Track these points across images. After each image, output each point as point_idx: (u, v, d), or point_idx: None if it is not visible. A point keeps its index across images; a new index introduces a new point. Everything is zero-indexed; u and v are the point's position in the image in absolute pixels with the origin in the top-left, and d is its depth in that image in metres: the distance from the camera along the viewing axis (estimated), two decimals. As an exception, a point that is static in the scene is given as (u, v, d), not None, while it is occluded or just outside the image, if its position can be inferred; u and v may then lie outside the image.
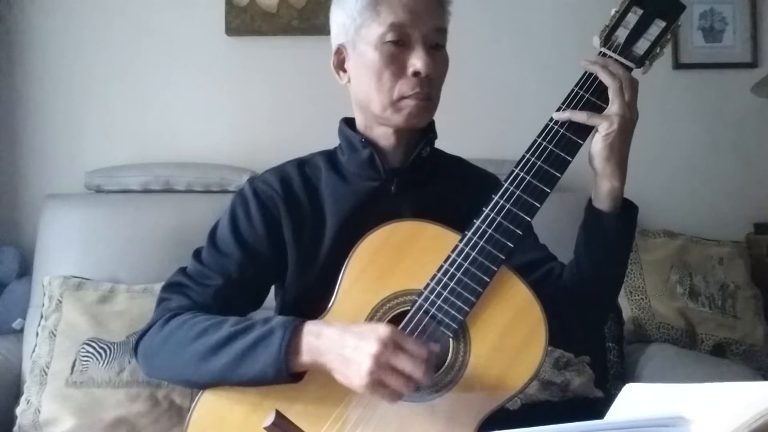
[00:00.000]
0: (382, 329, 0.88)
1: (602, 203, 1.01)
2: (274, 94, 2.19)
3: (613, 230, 1.01)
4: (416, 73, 1.02)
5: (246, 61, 2.19)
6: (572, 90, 1.00)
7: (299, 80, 2.15)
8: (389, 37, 1.03)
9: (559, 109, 0.99)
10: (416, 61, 1.02)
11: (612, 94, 0.97)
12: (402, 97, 1.04)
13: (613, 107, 0.96)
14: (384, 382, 0.86)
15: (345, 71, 1.11)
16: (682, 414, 0.58)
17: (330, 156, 1.15)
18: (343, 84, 1.12)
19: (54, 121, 2.15)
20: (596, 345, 1.81)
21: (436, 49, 1.06)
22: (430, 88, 1.05)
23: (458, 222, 1.00)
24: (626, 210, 1.02)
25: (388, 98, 1.04)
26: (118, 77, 2.16)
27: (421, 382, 0.87)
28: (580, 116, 0.97)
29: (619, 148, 0.97)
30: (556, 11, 2.22)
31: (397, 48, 1.03)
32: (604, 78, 0.97)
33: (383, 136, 1.10)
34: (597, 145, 0.98)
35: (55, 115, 2.15)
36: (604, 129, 0.96)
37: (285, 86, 2.18)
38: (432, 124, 1.14)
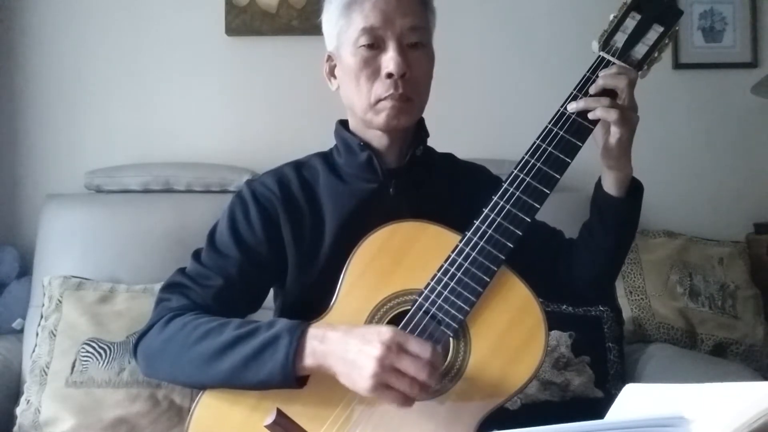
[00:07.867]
0: (385, 331, 0.87)
1: (616, 189, 1.04)
2: (274, 94, 2.18)
3: (627, 207, 1.05)
4: (389, 75, 1.03)
5: (246, 61, 2.19)
6: (575, 89, 1.00)
7: (299, 80, 2.15)
8: (362, 41, 1.04)
9: (564, 104, 1.00)
10: (388, 63, 1.03)
11: (622, 92, 0.97)
12: (379, 100, 1.05)
13: (628, 103, 0.97)
14: (389, 384, 0.86)
15: (335, 77, 1.12)
16: (682, 414, 0.58)
17: (326, 157, 1.16)
18: (334, 90, 1.13)
19: (54, 121, 2.15)
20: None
21: (415, 48, 1.05)
22: (407, 89, 1.04)
23: (455, 219, 1.00)
24: (634, 188, 1.05)
25: (367, 101, 1.06)
26: (118, 77, 2.16)
27: (427, 384, 0.86)
28: (601, 106, 0.97)
29: (630, 140, 0.99)
30: (556, 12, 2.22)
31: (371, 51, 1.04)
32: (613, 84, 0.97)
33: (375, 137, 1.10)
34: (618, 142, 0.97)
35: (55, 115, 2.15)
36: (627, 128, 0.97)
37: (285, 86, 2.17)
38: (422, 122, 1.14)
